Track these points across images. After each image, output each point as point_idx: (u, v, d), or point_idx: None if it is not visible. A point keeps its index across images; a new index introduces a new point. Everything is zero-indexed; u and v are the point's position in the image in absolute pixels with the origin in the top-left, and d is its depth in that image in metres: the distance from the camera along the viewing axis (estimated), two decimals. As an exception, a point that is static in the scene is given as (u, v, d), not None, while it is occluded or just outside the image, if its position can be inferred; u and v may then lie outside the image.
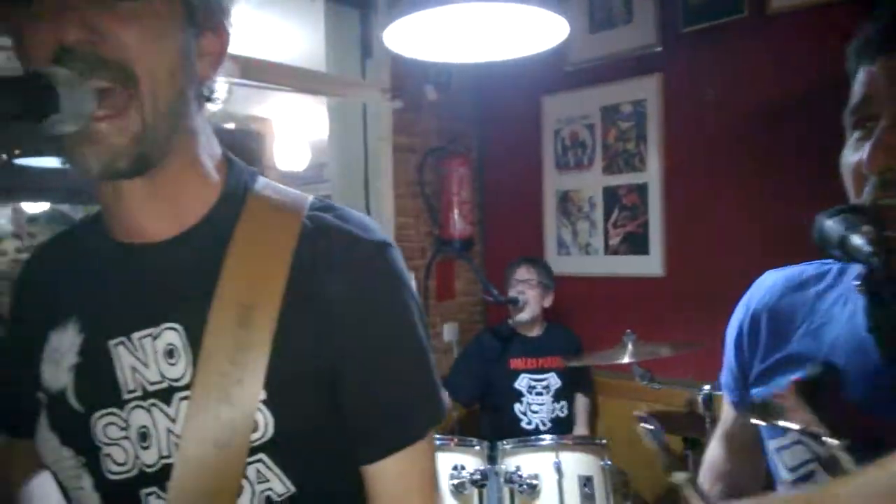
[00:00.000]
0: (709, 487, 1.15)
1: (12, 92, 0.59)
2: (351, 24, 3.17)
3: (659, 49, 2.98)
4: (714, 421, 2.18)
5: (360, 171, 3.19)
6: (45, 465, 0.82)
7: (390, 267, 0.79)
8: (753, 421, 0.98)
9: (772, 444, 0.94)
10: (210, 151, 0.82)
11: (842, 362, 0.82)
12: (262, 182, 0.85)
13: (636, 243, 3.08)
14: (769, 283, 1.03)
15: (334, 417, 0.77)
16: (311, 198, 0.84)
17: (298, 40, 3.50)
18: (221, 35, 0.79)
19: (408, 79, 3.21)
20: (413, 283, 0.83)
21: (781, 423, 0.87)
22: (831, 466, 0.79)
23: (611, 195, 3.16)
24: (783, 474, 0.90)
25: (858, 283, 0.69)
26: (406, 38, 1.87)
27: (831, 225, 0.76)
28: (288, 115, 5.45)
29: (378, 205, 3.16)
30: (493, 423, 2.87)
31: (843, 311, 0.83)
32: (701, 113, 2.89)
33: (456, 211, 3.30)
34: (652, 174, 3.02)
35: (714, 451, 1.18)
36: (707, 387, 2.19)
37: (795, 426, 0.85)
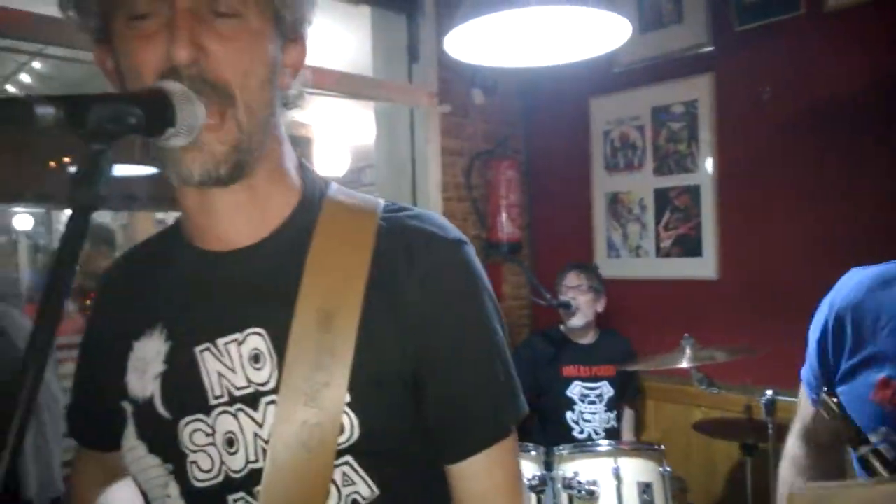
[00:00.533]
0: (790, 480, 1.15)
1: (134, 106, 0.60)
2: (398, 29, 3.18)
3: (711, 48, 2.93)
4: (776, 427, 2.14)
5: (407, 175, 3.20)
6: (131, 474, 0.82)
7: (469, 265, 0.79)
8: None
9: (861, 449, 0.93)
10: (291, 158, 0.83)
11: None
12: (334, 186, 0.86)
13: (688, 246, 3.04)
14: (855, 281, 1.03)
15: (417, 418, 0.77)
16: (382, 200, 0.84)
17: (346, 46, 3.52)
18: (302, 46, 0.81)
19: (455, 83, 3.21)
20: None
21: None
22: None
23: (662, 197, 3.12)
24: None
25: None
26: (462, 43, 1.88)
27: None
28: (327, 119, 5.50)
29: (426, 208, 3.10)
30: (544, 430, 2.84)
31: None
32: (755, 113, 2.83)
33: (504, 214, 3.29)
34: (704, 175, 2.97)
35: (794, 446, 1.17)
36: (770, 392, 2.14)
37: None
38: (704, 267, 2.98)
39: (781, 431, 1.72)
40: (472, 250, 0.81)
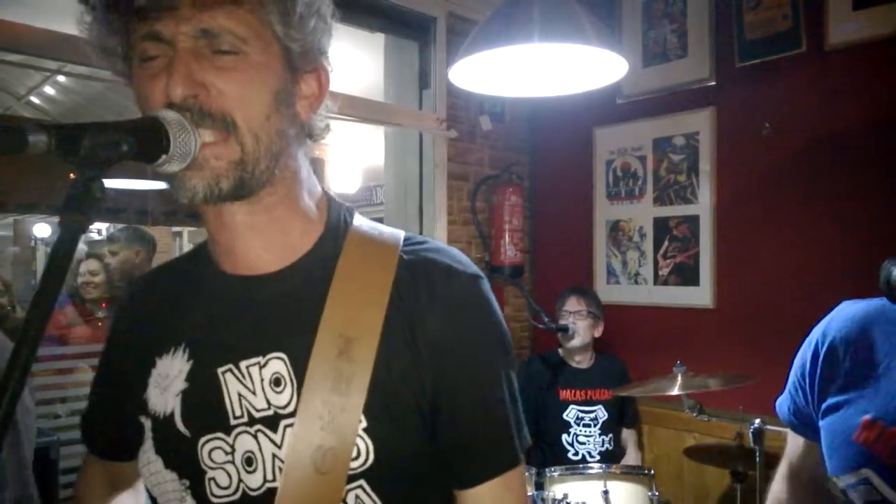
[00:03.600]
0: None
1: (129, 134, 0.64)
2: (410, 56, 3.28)
3: (713, 83, 3.01)
4: (764, 455, 2.18)
5: (414, 196, 3.29)
6: (147, 486, 0.85)
7: (485, 299, 0.83)
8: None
9: (841, 482, 0.94)
10: (311, 188, 0.86)
11: None
12: (358, 217, 0.89)
13: (686, 274, 3.10)
14: (849, 313, 1.03)
15: (430, 444, 0.79)
16: (403, 233, 0.87)
17: (360, 71, 3.62)
18: (320, 77, 0.83)
19: (463, 109, 3.30)
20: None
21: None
22: None
23: (661, 226, 3.18)
24: None
25: None
26: (467, 73, 1.96)
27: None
28: (341, 139, 5.61)
29: (431, 230, 3.24)
30: (540, 451, 2.89)
31: None
32: (754, 146, 2.90)
33: (507, 238, 3.36)
34: (703, 206, 3.04)
35: (779, 486, 1.17)
36: (758, 420, 2.19)
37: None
38: (701, 295, 3.03)
39: (770, 459, 1.75)
40: (488, 285, 0.84)
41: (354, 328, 0.77)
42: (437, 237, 3.22)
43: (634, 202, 3.28)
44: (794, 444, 1.14)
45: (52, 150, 0.57)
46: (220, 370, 0.80)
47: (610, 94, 3.21)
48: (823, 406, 1.01)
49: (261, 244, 0.82)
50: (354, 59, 3.65)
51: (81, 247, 3.55)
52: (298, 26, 0.77)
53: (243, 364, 0.79)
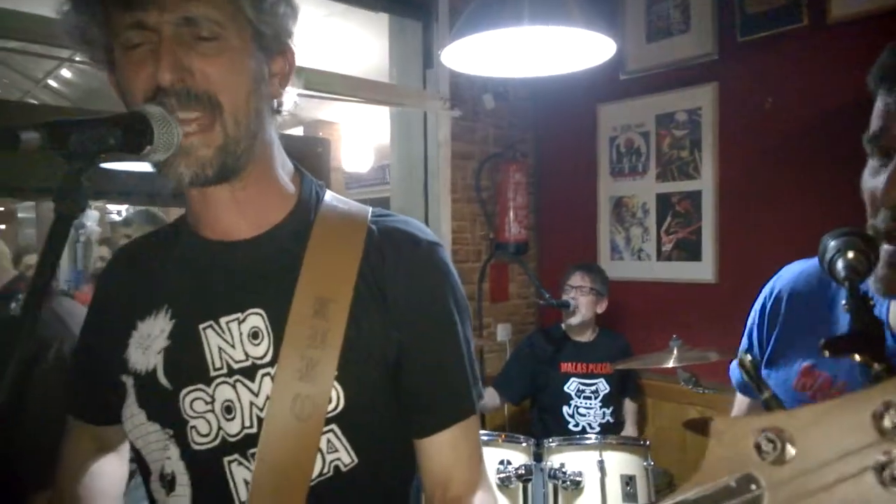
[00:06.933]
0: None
1: (114, 128, 0.70)
2: (413, 36, 3.31)
3: (715, 58, 3.01)
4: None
5: (419, 176, 3.34)
6: (130, 440, 0.91)
7: (445, 264, 0.92)
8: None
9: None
10: (283, 163, 0.93)
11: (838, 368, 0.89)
12: (329, 193, 0.97)
13: (689, 250, 3.12)
14: (797, 269, 1.08)
15: (393, 395, 0.88)
16: (370, 208, 0.96)
17: (364, 51, 3.66)
18: (288, 56, 0.89)
19: (467, 88, 3.33)
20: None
21: None
22: None
23: (664, 202, 3.21)
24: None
25: (844, 302, 0.75)
26: (465, 55, 2.00)
27: (831, 244, 0.82)
28: (353, 118, 5.65)
29: (436, 209, 3.29)
30: (542, 422, 2.97)
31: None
32: (757, 121, 2.91)
33: (511, 215, 3.40)
34: (706, 182, 3.05)
35: None
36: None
37: None
38: (703, 270, 3.06)
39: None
40: (446, 252, 0.94)
41: (328, 290, 0.85)
42: (443, 215, 3.27)
43: (638, 178, 3.30)
44: (739, 406, 1.19)
45: (44, 146, 0.63)
46: (201, 326, 0.87)
47: (613, 71, 3.22)
48: (766, 356, 1.07)
49: (241, 217, 0.89)
50: (359, 40, 3.68)
51: (96, 229, 3.65)
52: (270, 11, 0.83)
53: (223, 320, 0.86)
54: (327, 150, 4.68)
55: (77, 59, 2.95)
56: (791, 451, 0.38)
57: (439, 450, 0.89)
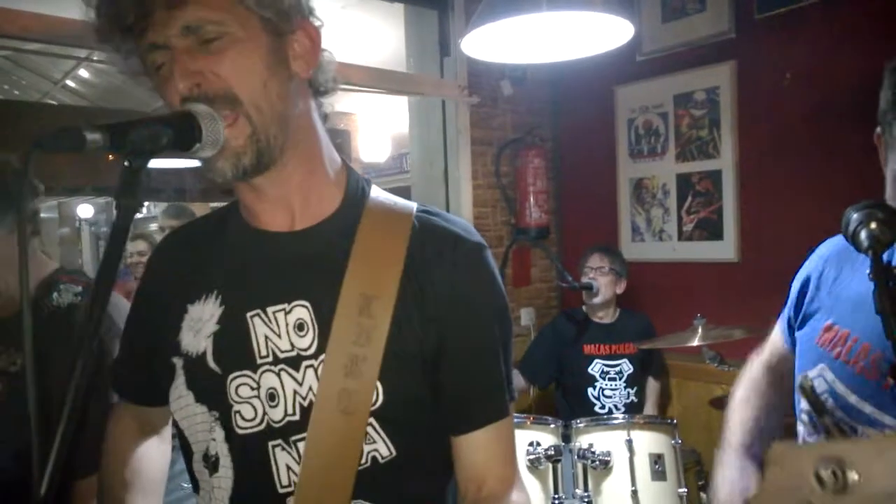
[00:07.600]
0: (745, 397, 1.34)
1: (167, 127, 0.74)
2: (429, 24, 3.33)
3: (732, 36, 3.00)
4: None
5: (439, 163, 3.37)
6: (176, 420, 0.94)
7: (488, 266, 0.93)
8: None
9: (806, 379, 1.09)
10: (330, 156, 0.95)
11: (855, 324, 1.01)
12: (375, 188, 0.98)
13: (710, 229, 3.13)
14: (833, 242, 1.20)
15: (431, 392, 0.90)
16: (415, 203, 0.97)
17: (381, 41, 3.68)
18: (310, 33, 0.89)
19: (484, 75, 3.35)
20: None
21: None
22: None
23: (684, 182, 3.21)
24: (803, 405, 1.09)
25: (868, 270, 0.80)
26: (482, 42, 2.02)
27: (854, 217, 0.87)
28: (370, 109, 5.68)
29: (457, 195, 3.32)
30: (568, 404, 3.00)
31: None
32: (775, 99, 2.90)
33: (531, 200, 3.42)
34: (726, 161, 3.05)
35: (756, 370, 1.36)
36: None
37: None
38: (725, 250, 3.07)
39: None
40: (490, 255, 0.94)
41: (374, 288, 0.87)
42: (463, 202, 3.30)
43: (657, 159, 3.31)
44: (778, 342, 1.30)
45: (106, 146, 0.66)
46: (248, 314, 0.89)
47: (630, 52, 3.22)
48: (798, 319, 1.20)
49: (288, 208, 0.91)
50: (376, 31, 3.71)
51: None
52: None
53: (270, 309, 0.89)
54: (347, 142, 4.72)
55: (95, 58, 3.01)
56: (853, 477, 0.38)
57: (474, 449, 0.92)
